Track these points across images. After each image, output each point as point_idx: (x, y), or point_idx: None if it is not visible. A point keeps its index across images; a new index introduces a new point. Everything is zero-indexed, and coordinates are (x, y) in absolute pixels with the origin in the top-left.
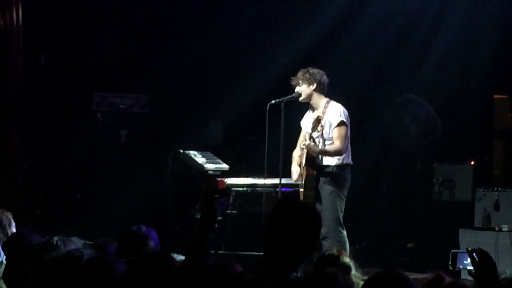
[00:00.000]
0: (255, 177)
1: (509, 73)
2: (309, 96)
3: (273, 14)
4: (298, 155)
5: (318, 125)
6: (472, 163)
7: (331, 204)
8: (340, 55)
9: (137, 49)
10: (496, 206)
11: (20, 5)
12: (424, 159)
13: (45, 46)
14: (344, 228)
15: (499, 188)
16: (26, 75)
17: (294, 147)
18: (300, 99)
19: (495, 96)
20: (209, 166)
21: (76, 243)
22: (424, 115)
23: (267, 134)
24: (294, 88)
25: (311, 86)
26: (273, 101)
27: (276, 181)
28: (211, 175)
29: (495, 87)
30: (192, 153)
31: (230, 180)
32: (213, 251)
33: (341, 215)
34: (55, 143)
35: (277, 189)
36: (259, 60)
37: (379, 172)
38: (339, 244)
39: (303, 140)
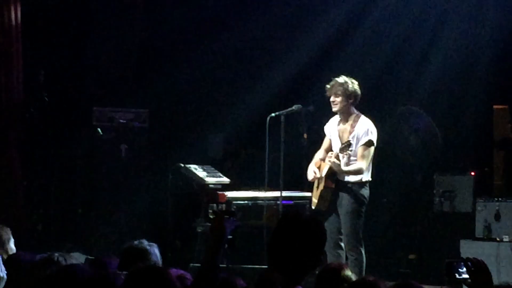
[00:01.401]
0: (256, 190)
1: (508, 83)
2: (344, 108)
3: (271, 27)
4: (319, 158)
5: (347, 149)
6: (472, 173)
7: (352, 222)
8: (339, 67)
9: (137, 64)
10: (497, 217)
11: (20, 21)
12: (424, 170)
13: (45, 61)
14: (363, 245)
15: (500, 199)
16: (26, 91)
17: (295, 159)
18: (335, 110)
19: (495, 106)
20: (210, 179)
21: (78, 258)
22: (423, 126)
23: (267, 147)
24: (328, 98)
25: (349, 100)
26: (273, 114)
27: (277, 193)
28: (212, 188)
29: (494, 97)
30: (192, 167)
31: (230, 193)
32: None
33: (360, 232)
34: (55, 158)
35: (278, 202)
36: (258, 73)
37: (379, 183)
38: (356, 262)
39: (328, 156)
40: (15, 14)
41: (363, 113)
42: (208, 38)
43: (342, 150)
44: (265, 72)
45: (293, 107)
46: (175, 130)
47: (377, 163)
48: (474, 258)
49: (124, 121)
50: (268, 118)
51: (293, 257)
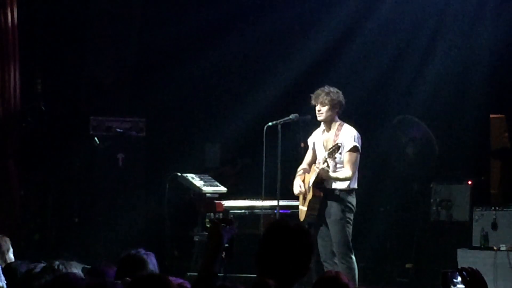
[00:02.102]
0: (253, 199)
1: (505, 93)
2: (330, 118)
3: (268, 37)
4: (303, 171)
5: (336, 152)
6: (469, 182)
7: (341, 230)
8: (336, 77)
9: (134, 73)
10: (494, 226)
11: (17, 30)
12: (421, 180)
13: (42, 71)
14: (353, 253)
15: (497, 208)
16: (23, 101)
17: (292, 168)
18: (320, 119)
19: (491, 116)
20: (207, 188)
21: (77, 266)
22: (420, 135)
23: (264, 156)
24: (314, 107)
25: (334, 109)
26: (270, 123)
27: (274, 203)
28: (209, 198)
29: (491, 106)
30: (189, 176)
31: (228, 203)
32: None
33: (350, 239)
34: (52, 167)
35: (275, 211)
36: (255, 82)
37: (376, 193)
38: (349, 270)
39: (317, 162)
40: (12, 24)
41: (359, 122)
42: (205, 48)
43: (330, 154)
44: (262, 82)
45: (290, 116)
46: (172, 139)
47: (374, 173)
48: (469, 267)
49: (121, 130)
50: (265, 127)
51: (281, 265)
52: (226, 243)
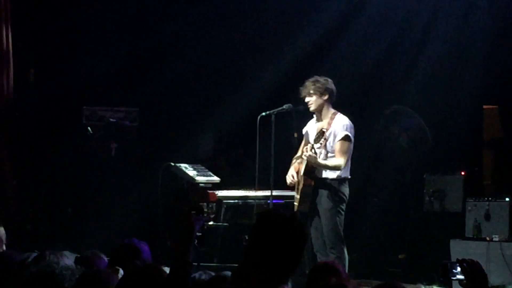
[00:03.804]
0: (246, 189)
1: (498, 83)
2: (320, 107)
3: (261, 27)
4: (298, 162)
5: (321, 138)
6: (462, 173)
7: (331, 220)
8: (329, 67)
9: (127, 62)
10: (487, 216)
11: (10, 20)
12: (414, 170)
13: (35, 61)
14: (344, 243)
15: (490, 198)
16: (16, 90)
17: (285, 158)
18: (312, 109)
19: (485, 107)
20: (200, 178)
21: (68, 257)
22: (413, 126)
23: (257, 146)
24: (304, 99)
25: (323, 97)
26: (263, 113)
27: (267, 193)
28: (201, 187)
29: (484, 97)
30: (183, 166)
31: (221, 193)
32: (205, 264)
33: (341, 229)
34: (45, 157)
35: (269, 201)
36: (249, 72)
37: (369, 183)
38: (339, 260)
39: (304, 149)
40: (6, 14)
41: (353, 113)
42: (198, 38)
43: (316, 139)
44: (255, 72)
45: (284, 107)
46: (165, 129)
47: (368, 163)
48: (469, 259)
49: (114, 120)
50: (258, 118)
51: (273, 256)
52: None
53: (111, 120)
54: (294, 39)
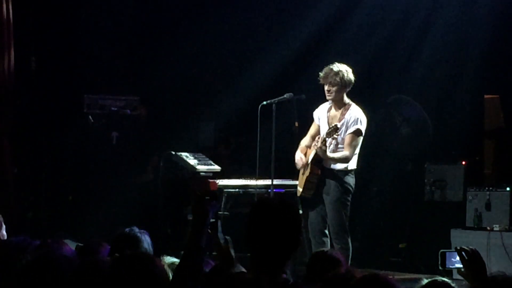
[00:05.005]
0: (247, 178)
1: (499, 73)
2: (339, 97)
3: (263, 16)
4: (305, 145)
5: (334, 133)
6: (463, 163)
7: (337, 211)
8: (330, 57)
9: (128, 51)
10: (488, 206)
11: (11, 8)
12: (415, 160)
13: (36, 49)
14: (349, 234)
15: (490, 188)
16: (17, 78)
17: (286, 148)
18: (330, 99)
19: (486, 96)
20: (201, 167)
21: (69, 245)
22: (414, 115)
23: (258, 135)
24: (322, 86)
25: (344, 90)
26: (264, 102)
27: (268, 182)
28: (202, 176)
29: (485, 87)
30: (184, 154)
31: (222, 182)
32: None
33: (346, 221)
34: (46, 145)
35: (269, 190)
36: (250, 61)
37: (370, 172)
38: (343, 251)
39: (315, 140)
40: (7, 2)
41: (354, 102)
42: (199, 26)
43: (328, 134)
44: (256, 61)
45: (285, 96)
46: (166, 118)
47: (368, 152)
48: (468, 247)
49: (115, 109)
50: (259, 107)
51: (271, 242)
52: (212, 218)
53: (112, 108)
54: (295, 28)
